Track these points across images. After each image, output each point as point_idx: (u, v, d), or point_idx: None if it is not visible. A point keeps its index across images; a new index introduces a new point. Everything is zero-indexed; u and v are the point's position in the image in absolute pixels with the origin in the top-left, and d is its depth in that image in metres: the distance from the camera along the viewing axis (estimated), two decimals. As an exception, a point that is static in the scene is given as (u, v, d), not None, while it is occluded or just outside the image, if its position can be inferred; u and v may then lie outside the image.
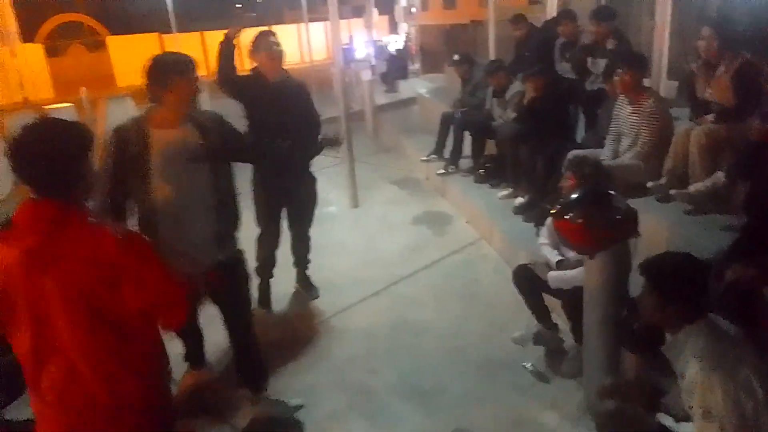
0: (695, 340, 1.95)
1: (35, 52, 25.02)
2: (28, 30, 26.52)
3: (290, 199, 3.97)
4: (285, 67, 3.81)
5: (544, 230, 3.45)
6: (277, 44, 3.71)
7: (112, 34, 28.73)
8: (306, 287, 4.38)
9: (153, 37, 27.23)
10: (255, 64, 3.76)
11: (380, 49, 19.14)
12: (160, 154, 2.51)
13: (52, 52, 26.80)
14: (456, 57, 6.99)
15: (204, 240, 2.63)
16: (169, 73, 2.51)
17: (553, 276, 3.21)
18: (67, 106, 9.06)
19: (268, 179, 3.80)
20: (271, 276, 4.07)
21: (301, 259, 4.33)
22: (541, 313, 3.42)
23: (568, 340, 3.38)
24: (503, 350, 3.52)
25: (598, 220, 2.59)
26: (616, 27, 5.44)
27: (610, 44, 5.33)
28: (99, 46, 28.45)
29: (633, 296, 2.84)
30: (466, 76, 6.78)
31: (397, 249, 5.16)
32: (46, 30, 27.80)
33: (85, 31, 29.34)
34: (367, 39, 20.41)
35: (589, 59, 5.53)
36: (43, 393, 1.74)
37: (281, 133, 3.38)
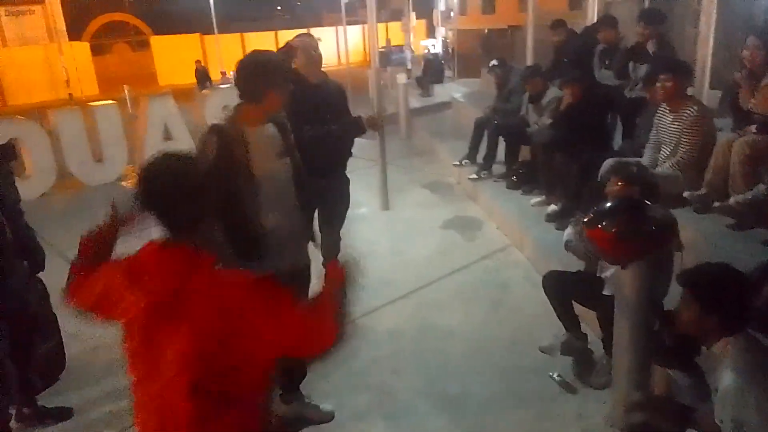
0: (732, 353, 1.91)
1: (82, 49, 25.84)
2: (76, 28, 27.42)
3: (324, 199, 3.99)
4: (323, 70, 3.86)
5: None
6: (315, 47, 3.75)
7: (156, 34, 29.50)
8: None
9: (195, 37, 27.85)
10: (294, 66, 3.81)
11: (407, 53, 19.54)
12: (255, 151, 2.53)
13: (97, 50, 27.69)
14: (493, 62, 6.96)
15: (296, 237, 2.70)
16: (275, 72, 2.53)
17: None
18: (110, 104, 9.29)
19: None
20: None
21: (330, 260, 4.34)
22: (570, 321, 3.36)
23: (598, 350, 3.31)
24: (530, 358, 3.48)
25: (631, 230, 2.54)
26: (661, 32, 5.32)
27: (651, 47, 5.21)
28: (143, 45, 29.29)
29: (667, 309, 2.79)
30: (502, 82, 6.74)
31: (426, 252, 5.15)
32: (92, 29, 28.71)
33: (129, 31, 30.18)
34: (404, 44, 20.78)
35: (631, 64, 5.43)
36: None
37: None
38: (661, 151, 4.28)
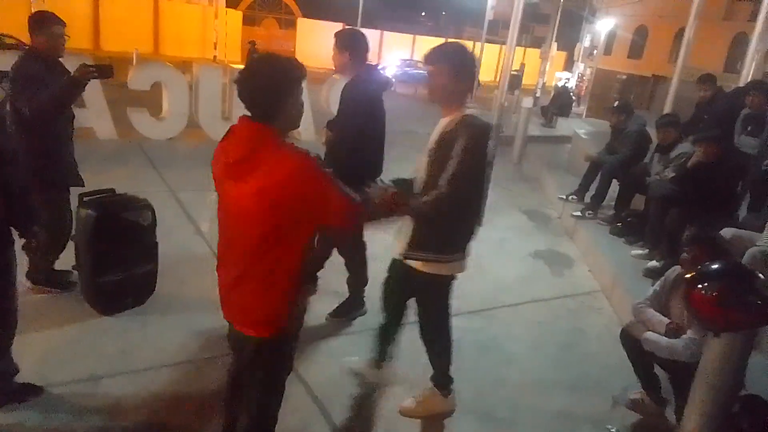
0: None
1: (235, 17, 27.67)
2: (234, -3, 29.28)
3: None
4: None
5: (651, 292, 3.22)
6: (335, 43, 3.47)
7: (304, 17, 30.94)
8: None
9: (338, 26, 28.84)
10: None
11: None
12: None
13: (249, 20, 29.56)
14: (615, 104, 6.77)
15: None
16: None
17: (649, 338, 3.00)
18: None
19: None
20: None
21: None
22: (648, 381, 3.19)
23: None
24: (589, 406, 3.32)
25: (734, 298, 2.36)
26: None
27: None
28: (290, 24, 30.86)
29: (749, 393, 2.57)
30: (619, 126, 6.39)
31: (509, 276, 5.04)
32: (249, 0, 30.54)
33: (281, 8, 31.83)
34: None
35: None
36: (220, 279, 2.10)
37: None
38: (789, 232, 3.93)
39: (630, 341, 3.20)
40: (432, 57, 2.57)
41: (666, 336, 2.96)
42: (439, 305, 2.91)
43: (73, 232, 3.64)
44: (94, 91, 7.71)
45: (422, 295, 2.90)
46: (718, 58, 22.26)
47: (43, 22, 3.45)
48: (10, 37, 15.52)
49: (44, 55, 3.44)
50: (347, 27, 3.78)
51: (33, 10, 23.15)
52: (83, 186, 3.72)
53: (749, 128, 5.61)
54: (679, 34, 9.24)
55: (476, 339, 3.94)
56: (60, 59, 3.54)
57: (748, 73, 7.63)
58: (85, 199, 3.55)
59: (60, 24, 3.48)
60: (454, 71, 2.53)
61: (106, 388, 2.96)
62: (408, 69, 23.88)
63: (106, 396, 2.90)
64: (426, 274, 2.72)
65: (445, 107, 2.62)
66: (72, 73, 3.34)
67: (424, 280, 2.75)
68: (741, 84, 7.17)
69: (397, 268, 2.90)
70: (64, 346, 3.26)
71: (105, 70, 3.43)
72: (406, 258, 2.74)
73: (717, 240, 3.06)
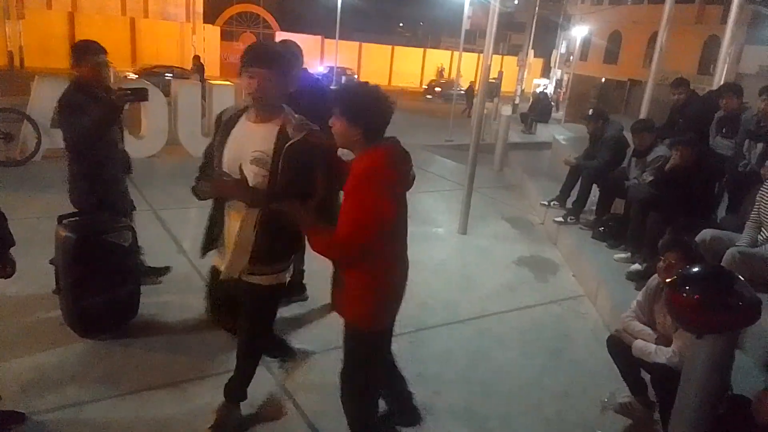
0: None
1: (213, 33, 27.63)
2: (212, 13, 29.36)
3: None
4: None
5: (635, 303, 3.26)
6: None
7: (282, 30, 31.02)
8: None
9: (317, 39, 29.02)
10: None
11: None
12: None
13: (227, 36, 29.53)
14: (590, 112, 6.89)
15: None
16: None
17: (638, 346, 3.05)
18: (228, 85, 9.86)
19: None
20: None
21: None
22: (636, 385, 3.21)
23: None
24: (579, 411, 3.33)
25: (716, 300, 2.39)
26: None
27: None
28: (268, 38, 30.84)
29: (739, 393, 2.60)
30: (596, 133, 6.48)
31: (494, 284, 5.06)
32: (226, 15, 30.57)
33: (259, 23, 31.85)
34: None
35: (747, 142, 5.12)
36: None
37: None
38: (762, 232, 4.00)
39: (617, 347, 3.23)
40: (262, 60, 2.35)
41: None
42: (273, 313, 2.78)
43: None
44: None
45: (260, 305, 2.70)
46: (692, 61, 22.69)
47: (86, 51, 3.53)
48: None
49: (89, 84, 3.52)
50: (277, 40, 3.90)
51: (7, 32, 22.66)
52: (135, 209, 3.96)
53: (724, 130, 5.71)
54: (653, 38, 9.43)
55: (466, 349, 3.95)
56: (106, 86, 3.62)
57: (720, 74, 7.80)
58: (64, 221, 3.50)
59: (103, 53, 3.56)
60: (284, 76, 2.39)
61: (90, 413, 2.90)
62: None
63: (91, 422, 2.85)
64: (269, 287, 2.56)
65: (265, 113, 2.43)
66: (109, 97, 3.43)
67: (267, 293, 2.59)
68: (714, 85, 7.31)
69: (226, 288, 2.62)
70: (46, 372, 3.19)
71: (140, 93, 3.52)
72: (249, 274, 2.53)
73: (690, 246, 3.10)
